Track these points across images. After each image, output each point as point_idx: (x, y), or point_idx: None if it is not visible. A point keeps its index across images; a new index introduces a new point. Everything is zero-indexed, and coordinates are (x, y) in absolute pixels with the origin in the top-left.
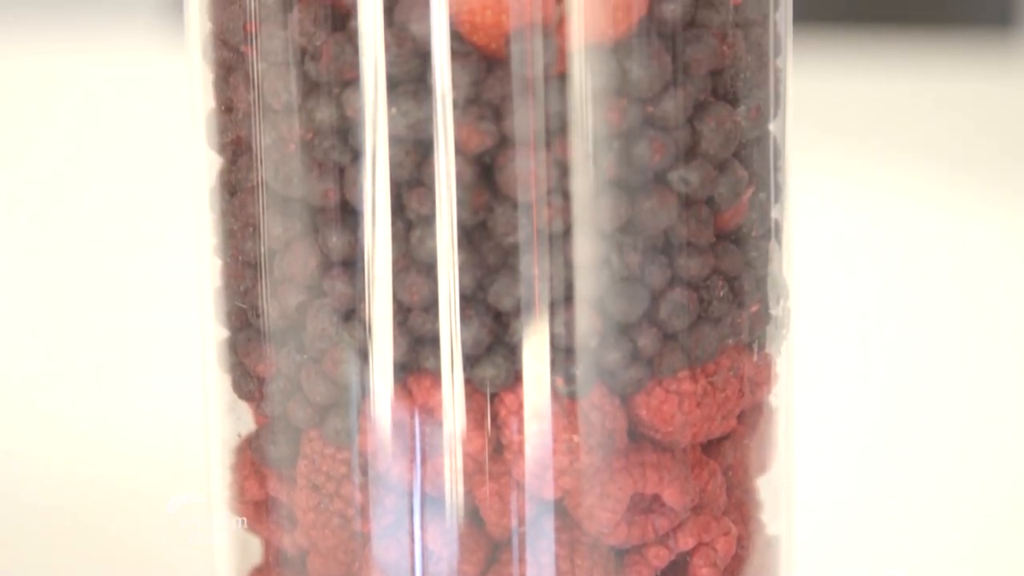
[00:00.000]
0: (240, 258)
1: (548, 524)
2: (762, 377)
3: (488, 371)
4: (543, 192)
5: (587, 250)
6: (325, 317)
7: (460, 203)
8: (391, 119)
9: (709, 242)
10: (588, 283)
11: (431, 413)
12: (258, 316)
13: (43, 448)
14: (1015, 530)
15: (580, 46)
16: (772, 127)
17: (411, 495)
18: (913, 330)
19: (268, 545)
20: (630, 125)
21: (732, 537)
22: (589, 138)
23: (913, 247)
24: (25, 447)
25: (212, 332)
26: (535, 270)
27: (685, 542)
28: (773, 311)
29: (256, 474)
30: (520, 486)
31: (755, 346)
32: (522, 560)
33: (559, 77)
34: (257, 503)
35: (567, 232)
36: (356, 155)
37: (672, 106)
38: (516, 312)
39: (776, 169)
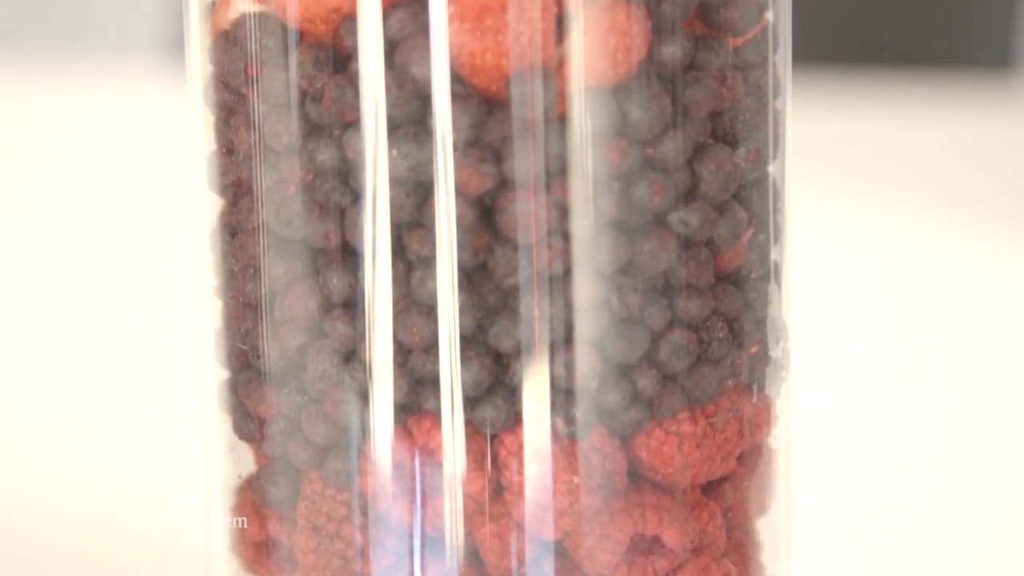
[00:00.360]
0: (241, 299)
1: (548, 565)
2: (762, 418)
3: (488, 412)
4: (543, 234)
5: (587, 291)
6: (326, 358)
7: (460, 245)
8: (392, 161)
9: (709, 284)
10: (588, 324)
11: (431, 454)
12: (259, 357)
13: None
14: None
15: (580, 88)
16: (771, 169)
17: (411, 536)
18: (914, 371)
19: None
20: (630, 167)
21: None
22: (589, 180)
23: (913, 288)
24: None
25: (213, 373)
26: (535, 311)
27: None
28: (772, 353)
29: (257, 515)
30: (520, 527)
31: (755, 387)
32: None
33: (559, 119)
34: (258, 544)
35: (567, 273)
36: (357, 197)
37: (672, 148)
38: (516, 353)
39: (775, 211)
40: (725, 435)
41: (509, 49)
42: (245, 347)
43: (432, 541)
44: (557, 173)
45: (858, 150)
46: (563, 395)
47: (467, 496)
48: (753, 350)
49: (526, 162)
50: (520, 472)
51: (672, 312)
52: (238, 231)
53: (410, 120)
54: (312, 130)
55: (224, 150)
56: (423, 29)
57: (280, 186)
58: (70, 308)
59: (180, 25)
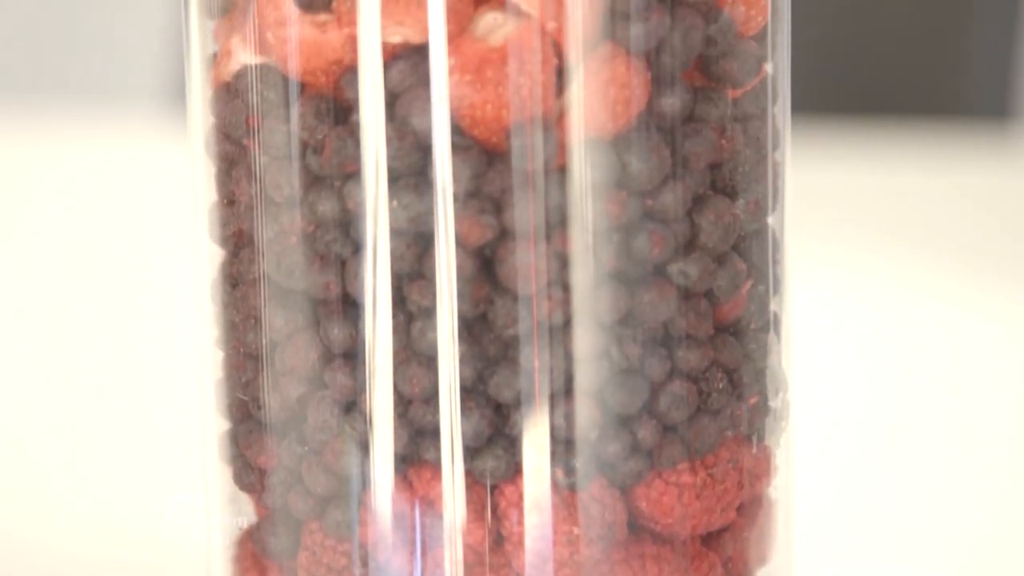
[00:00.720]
0: (241, 350)
1: None
2: (761, 469)
3: (488, 463)
4: (543, 284)
5: (587, 342)
6: (326, 409)
7: (461, 295)
8: (392, 212)
9: (708, 334)
10: (588, 375)
11: (431, 505)
12: (259, 408)
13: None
14: None
15: (580, 140)
16: (771, 220)
17: None
18: (913, 421)
19: None
20: (629, 218)
21: None
22: (589, 231)
23: (912, 338)
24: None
25: (213, 424)
26: (535, 362)
27: None
28: (772, 403)
29: (257, 566)
30: None
31: (754, 438)
32: None
33: (559, 170)
34: None
35: (567, 324)
36: (357, 248)
37: (671, 199)
38: (516, 404)
39: (775, 262)
40: (725, 486)
41: (509, 101)
42: (246, 398)
43: None
44: (557, 224)
45: (857, 200)
46: (563, 446)
47: (467, 547)
48: (753, 401)
49: (526, 213)
50: (520, 523)
51: (672, 363)
52: (239, 282)
53: (411, 171)
54: (313, 181)
55: (225, 201)
56: (424, 81)
57: (281, 237)
58: (70, 359)
59: (181, 76)
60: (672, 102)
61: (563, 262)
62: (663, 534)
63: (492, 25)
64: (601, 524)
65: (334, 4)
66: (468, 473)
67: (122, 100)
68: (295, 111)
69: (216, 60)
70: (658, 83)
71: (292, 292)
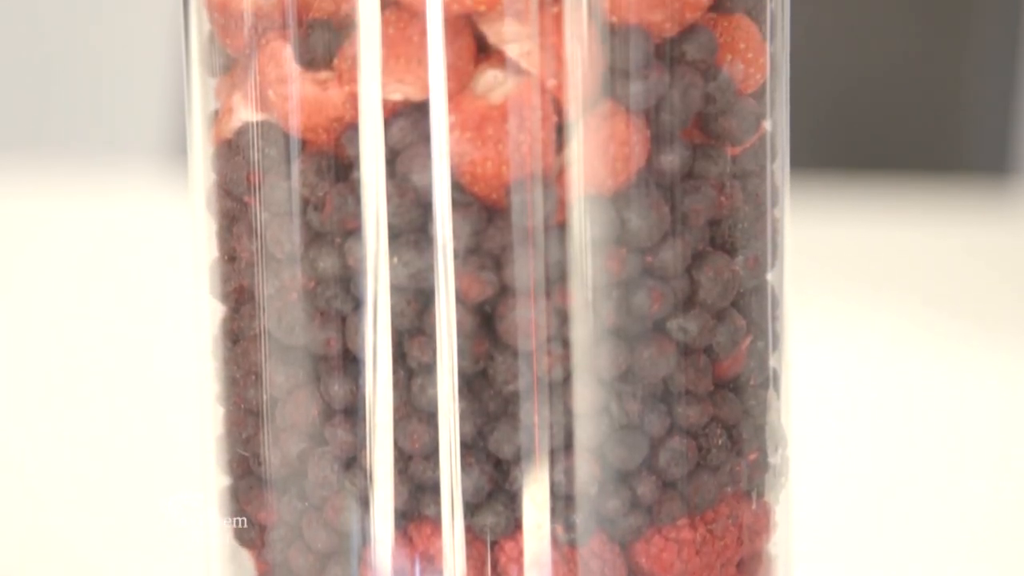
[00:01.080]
0: (242, 406)
1: None
2: (761, 525)
3: (488, 519)
4: (543, 340)
5: (587, 398)
6: (326, 465)
7: (461, 352)
8: (392, 268)
9: (708, 390)
10: (588, 431)
11: (432, 561)
12: (260, 464)
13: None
14: None
15: (580, 196)
16: (770, 276)
17: None
18: (913, 478)
19: None
20: (629, 274)
21: None
22: (589, 287)
23: (912, 395)
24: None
25: (214, 480)
26: (535, 418)
27: None
28: (772, 459)
29: None
30: None
31: (754, 494)
32: None
33: (559, 227)
34: None
35: (567, 380)
36: (358, 304)
37: (671, 256)
38: (516, 460)
39: (774, 318)
40: (724, 542)
41: (509, 158)
42: (246, 454)
43: None
44: (557, 280)
45: (856, 257)
46: (563, 501)
47: None
48: (752, 457)
49: (526, 270)
50: None
51: (671, 419)
52: (240, 338)
53: (411, 228)
54: (314, 238)
55: (226, 257)
56: (424, 138)
57: (282, 293)
58: (71, 416)
59: (183, 132)
60: (671, 159)
61: (563, 318)
62: None
63: (492, 83)
64: None
65: (335, 62)
66: (468, 529)
67: (123, 156)
68: (296, 168)
69: (217, 117)
70: (657, 140)
71: (293, 348)
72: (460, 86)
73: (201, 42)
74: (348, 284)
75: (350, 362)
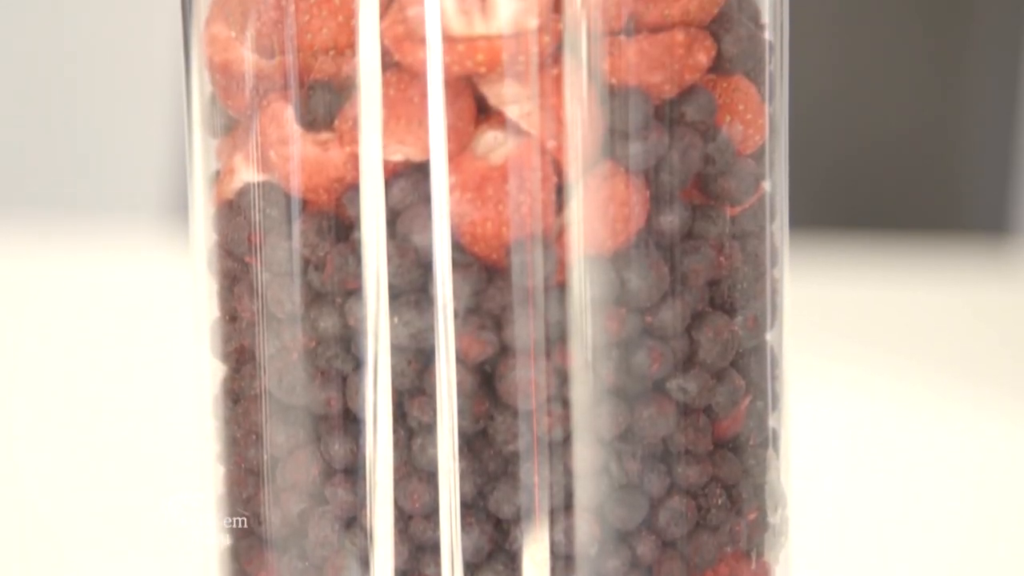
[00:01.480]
0: (243, 465)
1: None
2: None
3: None
4: (543, 400)
5: (587, 458)
6: (327, 524)
7: (461, 411)
8: (393, 328)
9: (707, 450)
10: (588, 491)
11: None
12: (260, 523)
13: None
14: None
15: (579, 257)
16: (769, 336)
17: None
18: (912, 540)
19: None
20: (629, 334)
21: None
22: (588, 347)
23: (912, 454)
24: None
25: (215, 540)
26: (535, 478)
27: None
28: (771, 519)
29: None
30: None
31: (753, 554)
32: None
33: (559, 287)
34: None
35: (567, 440)
36: (358, 364)
37: (670, 316)
38: (516, 520)
39: (773, 378)
40: None
41: (510, 218)
42: (247, 513)
43: None
44: (557, 340)
45: (855, 316)
46: (563, 561)
47: None
48: (752, 517)
49: (526, 329)
50: None
51: (671, 479)
52: (240, 398)
53: (411, 288)
54: (314, 298)
55: (227, 317)
56: (425, 198)
57: (283, 353)
58: (70, 476)
59: (184, 191)
60: (671, 219)
61: (563, 378)
62: None
63: (492, 143)
64: None
65: (336, 123)
66: None
67: (124, 216)
68: (297, 228)
69: (219, 178)
70: (657, 201)
71: (293, 408)
72: (460, 147)
73: (203, 103)
74: (349, 344)
75: (350, 422)
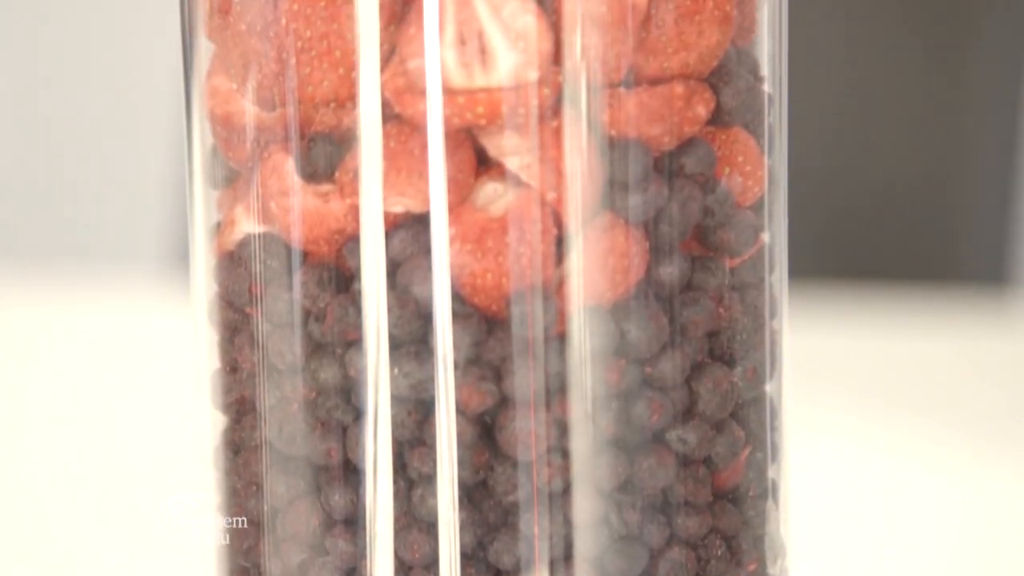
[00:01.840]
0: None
1: None
2: None
3: None
4: (543, 451)
5: (586, 509)
6: (327, 575)
7: (461, 462)
8: (393, 379)
9: (707, 501)
10: (587, 542)
11: None
12: (261, 574)
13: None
14: None
15: (579, 308)
16: (768, 387)
17: None
18: None
19: None
20: (628, 385)
21: None
22: (588, 398)
23: (910, 505)
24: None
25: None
26: (535, 529)
27: None
28: (771, 570)
29: None
30: None
31: None
32: None
33: (558, 338)
34: None
35: (566, 491)
36: (358, 415)
37: (670, 367)
38: (516, 570)
39: (773, 429)
40: None
41: (509, 269)
42: (247, 564)
43: None
44: (557, 391)
45: (854, 367)
46: None
47: None
48: (751, 568)
49: (526, 380)
50: None
51: (671, 530)
52: (241, 448)
53: (412, 339)
54: (315, 349)
55: (228, 368)
56: (425, 250)
57: (283, 404)
58: (69, 526)
59: (185, 242)
60: (670, 271)
61: (563, 429)
62: None
63: (492, 195)
64: None
65: (337, 175)
66: None
67: (125, 267)
68: (298, 279)
69: (220, 229)
70: (656, 252)
71: (294, 458)
72: (460, 198)
73: (204, 155)
74: (349, 395)
75: (351, 472)
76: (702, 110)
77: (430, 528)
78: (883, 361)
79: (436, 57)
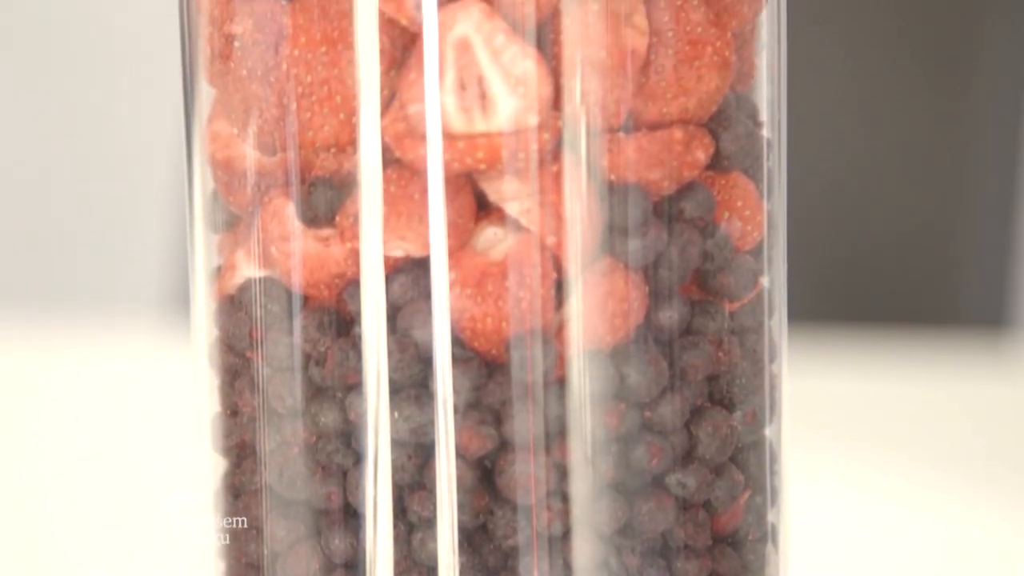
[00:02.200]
0: (243, 560)
1: None
2: None
3: None
4: (543, 495)
5: (586, 553)
6: None
7: (461, 506)
8: (393, 423)
9: (706, 545)
10: None
11: None
12: None
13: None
14: None
15: (579, 352)
16: (768, 431)
17: None
18: None
19: None
20: (628, 429)
21: None
22: (588, 442)
23: (910, 550)
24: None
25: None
26: (535, 572)
27: None
28: None
29: None
30: None
31: None
32: None
33: (558, 382)
34: None
35: (566, 535)
36: (359, 458)
37: (669, 411)
38: None
39: (772, 473)
40: None
41: (509, 314)
42: None
43: None
44: (556, 435)
45: (854, 410)
46: None
47: None
48: None
49: (526, 424)
50: None
51: (670, 573)
52: (241, 492)
53: (412, 383)
54: (315, 393)
55: (228, 412)
56: (425, 294)
57: (283, 448)
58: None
59: (185, 286)
60: (670, 315)
61: (562, 473)
62: None
63: (492, 240)
64: None
65: (337, 219)
66: None
67: (125, 310)
68: (298, 324)
69: (220, 273)
70: (656, 297)
71: (294, 502)
72: (460, 243)
73: (204, 199)
74: (349, 439)
75: (351, 516)
76: (701, 155)
77: (430, 572)
78: (883, 405)
79: (436, 102)
